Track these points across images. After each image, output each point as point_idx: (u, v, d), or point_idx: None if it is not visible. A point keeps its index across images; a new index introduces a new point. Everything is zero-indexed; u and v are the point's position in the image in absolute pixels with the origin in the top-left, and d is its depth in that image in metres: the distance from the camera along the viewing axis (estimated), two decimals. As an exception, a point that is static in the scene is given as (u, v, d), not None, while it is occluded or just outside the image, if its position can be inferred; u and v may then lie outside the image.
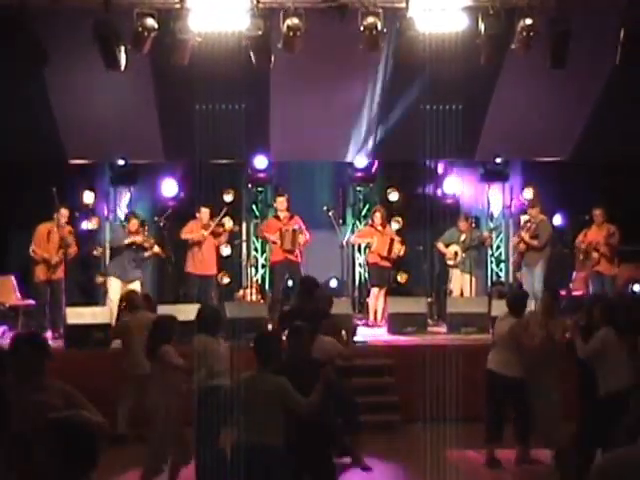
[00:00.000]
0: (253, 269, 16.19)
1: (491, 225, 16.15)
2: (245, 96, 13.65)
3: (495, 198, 16.53)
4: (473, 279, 14.57)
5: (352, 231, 16.27)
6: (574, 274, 14.73)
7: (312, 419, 6.90)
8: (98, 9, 11.01)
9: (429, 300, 14.62)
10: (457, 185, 16.36)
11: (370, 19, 11.23)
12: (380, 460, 9.71)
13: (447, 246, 14.74)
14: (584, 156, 14.83)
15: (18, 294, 14.09)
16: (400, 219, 15.99)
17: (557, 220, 15.48)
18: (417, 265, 16.07)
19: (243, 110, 13.90)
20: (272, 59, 11.77)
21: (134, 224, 13.89)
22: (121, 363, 10.60)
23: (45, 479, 4.10)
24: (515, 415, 9.68)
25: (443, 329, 13.61)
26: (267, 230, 14.70)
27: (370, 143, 15.08)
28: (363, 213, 16.62)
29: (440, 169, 16.35)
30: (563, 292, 12.93)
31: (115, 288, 13.53)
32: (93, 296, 15.07)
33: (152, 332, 8.43)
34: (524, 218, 15.01)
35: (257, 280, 16.14)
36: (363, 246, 15.70)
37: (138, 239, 13.64)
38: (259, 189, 16.59)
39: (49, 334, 12.96)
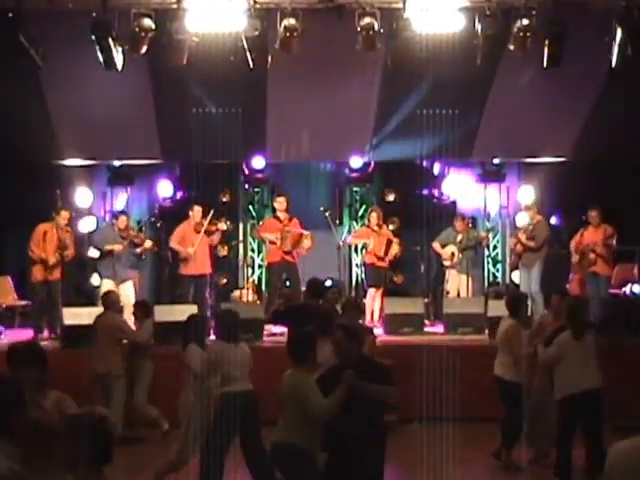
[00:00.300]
0: (250, 269, 16.20)
1: (488, 225, 16.16)
2: (242, 96, 13.65)
3: (492, 198, 16.54)
4: (470, 279, 14.56)
5: (349, 232, 16.30)
6: (571, 275, 14.74)
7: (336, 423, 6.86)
8: (95, 9, 11.01)
9: (426, 301, 14.61)
10: (454, 186, 16.36)
11: (367, 19, 11.25)
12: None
13: (443, 247, 14.73)
14: (581, 157, 14.85)
15: (15, 294, 14.10)
16: (397, 220, 15.99)
17: (554, 221, 15.49)
18: (414, 266, 16.06)
19: (240, 110, 13.91)
20: (269, 59, 11.79)
21: (122, 221, 13.89)
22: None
23: (61, 473, 4.16)
24: (504, 417, 9.70)
25: (440, 329, 13.61)
26: (265, 229, 14.68)
27: (367, 143, 15.08)
28: (360, 214, 16.63)
29: (437, 169, 16.35)
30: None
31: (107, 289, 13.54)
32: (89, 297, 15.06)
33: (182, 330, 8.74)
34: (520, 218, 15.03)
35: (253, 280, 16.14)
36: (360, 247, 15.72)
37: (123, 242, 13.61)
38: (256, 189, 16.61)
39: (45, 334, 12.99)
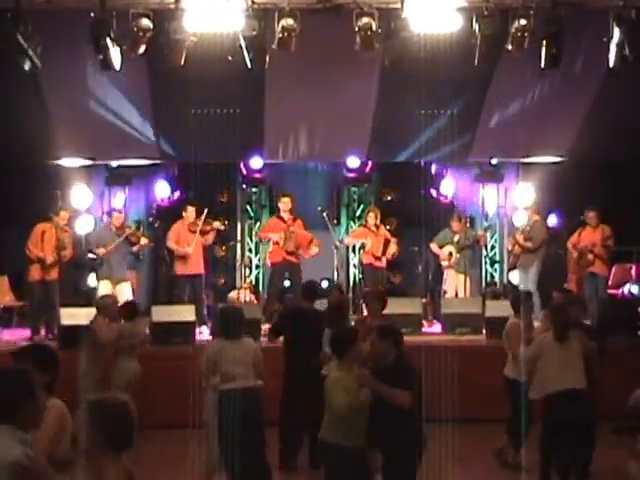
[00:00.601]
0: (247, 270, 16.21)
1: (485, 225, 16.18)
2: (240, 96, 13.66)
3: (490, 199, 16.56)
4: (467, 279, 14.57)
5: (346, 232, 16.31)
6: (568, 275, 14.76)
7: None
8: (94, 9, 10.99)
9: (424, 301, 14.61)
10: (452, 186, 16.37)
11: (365, 19, 11.23)
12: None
13: (441, 247, 14.74)
14: (579, 157, 14.86)
15: (12, 295, 14.09)
16: (394, 220, 16.00)
17: (552, 221, 15.49)
18: (412, 266, 16.08)
19: (238, 110, 13.92)
20: (267, 60, 11.77)
21: (118, 218, 13.89)
22: None
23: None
24: (510, 416, 9.70)
25: (438, 330, 13.62)
26: (269, 229, 14.67)
27: (365, 143, 15.07)
28: (357, 214, 16.65)
29: (435, 169, 16.36)
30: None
31: (105, 290, 13.54)
32: (87, 297, 15.05)
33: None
34: (518, 219, 15.04)
35: (251, 281, 16.15)
36: (357, 247, 15.72)
37: (118, 239, 13.61)
38: (254, 189, 16.63)
39: (43, 334, 12.98)
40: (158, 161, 15.40)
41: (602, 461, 8.87)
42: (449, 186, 16.34)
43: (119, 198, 16.01)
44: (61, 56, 12.27)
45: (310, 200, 16.00)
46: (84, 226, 15.29)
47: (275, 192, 16.02)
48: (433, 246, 14.85)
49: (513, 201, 16.18)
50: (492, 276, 16.69)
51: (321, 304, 10.51)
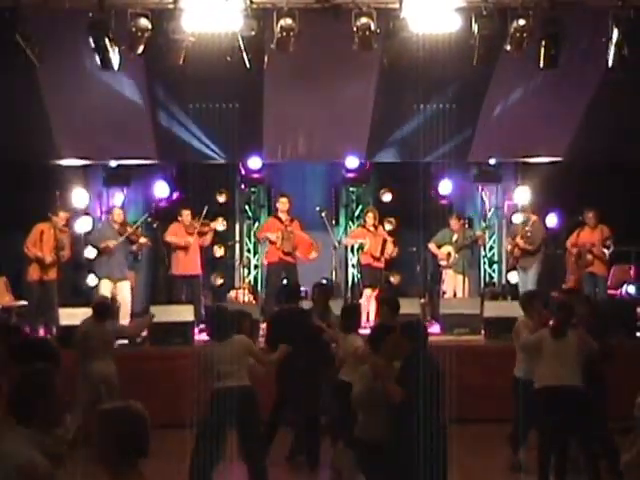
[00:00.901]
0: (245, 270, 16.20)
1: (484, 225, 16.18)
2: (238, 96, 13.65)
3: (488, 199, 16.56)
4: (466, 280, 14.57)
5: (345, 232, 16.30)
6: (567, 275, 14.74)
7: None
8: (92, 9, 10.99)
9: (422, 301, 14.61)
10: (450, 186, 16.36)
11: (363, 19, 11.23)
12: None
13: (439, 247, 14.74)
14: (577, 157, 14.85)
15: (11, 295, 14.08)
16: (393, 220, 15.99)
17: (550, 221, 15.49)
18: (410, 266, 16.08)
19: (237, 111, 13.91)
20: (265, 60, 11.77)
21: (119, 214, 13.89)
22: None
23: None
24: (516, 415, 9.72)
25: (436, 330, 13.60)
26: (267, 229, 14.64)
27: (363, 144, 15.06)
28: (356, 214, 16.64)
29: (433, 170, 16.35)
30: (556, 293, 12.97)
31: (105, 289, 13.55)
32: (86, 297, 15.04)
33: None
34: (516, 219, 15.03)
35: (249, 281, 16.14)
36: (356, 247, 15.71)
37: (119, 237, 13.60)
38: (252, 190, 16.61)
39: (41, 334, 12.97)
40: (156, 161, 15.39)
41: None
42: (447, 186, 16.33)
43: (117, 198, 16.00)
44: (60, 56, 12.25)
45: (309, 200, 16.00)
46: (82, 226, 15.29)
47: (274, 192, 16.01)
48: (431, 246, 14.85)
49: (511, 202, 16.17)
50: (491, 276, 16.69)
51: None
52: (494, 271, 16.70)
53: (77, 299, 14.69)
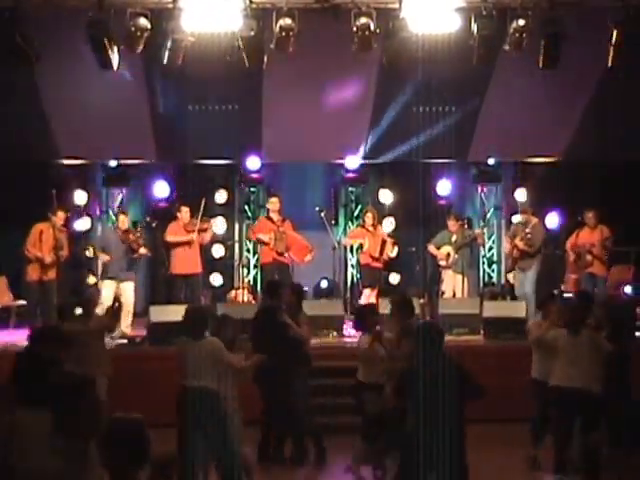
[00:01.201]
0: (245, 270, 16.19)
1: (482, 224, 16.17)
2: (238, 97, 13.65)
3: (487, 199, 16.56)
4: (465, 280, 14.56)
5: (344, 232, 16.30)
6: (566, 276, 14.74)
7: None
8: (91, 9, 10.98)
9: (421, 301, 14.58)
10: (449, 186, 16.36)
11: (363, 20, 11.22)
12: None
13: (439, 248, 14.73)
14: (576, 157, 14.85)
15: (10, 294, 14.07)
16: (392, 220, 15.98)
17: (550, 221, 15.48)
18: (409, 266, 16.07)
19: (236, 111, 13.90)
20: (265, 59, 11.76)
21: (123, 221, 13.88)
22: None
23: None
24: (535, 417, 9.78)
25: (435, 330, 13.58)
26: (259, 230, 14.62)
27: (363, 144, 15.07)
28: (355, 214, 16.64)
29: (433, 170, 16.35)
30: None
31: (108, 290, 13.54)
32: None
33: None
34: (516, 219, 15.03)
35: (249, 281, 16.14)
36: (355, 247, 15.70)
37: (122, 245, 13.62)
38: (252, 190, 16.62)
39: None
40: (155, 161, 15.38)
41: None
42: (447, 187, 16.33)
43: (116, 198, 15.99)
44: (59, 55, 12.25)
45: (308, 200, 16.01)
46: (81, 226, 15.29)
47: (270, 193, 16.00)
48: (431, 248, 14.83)
49: (511, 202, 16.17)
50: (490, 277, 16.70)
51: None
52: (493, 271, 16.70)
53: (76, 299, 14.67)
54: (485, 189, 16.71)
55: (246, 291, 15.22)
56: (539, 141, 14.75)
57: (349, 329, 12.90)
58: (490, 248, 16.64)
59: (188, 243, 13.95)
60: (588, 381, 8.57)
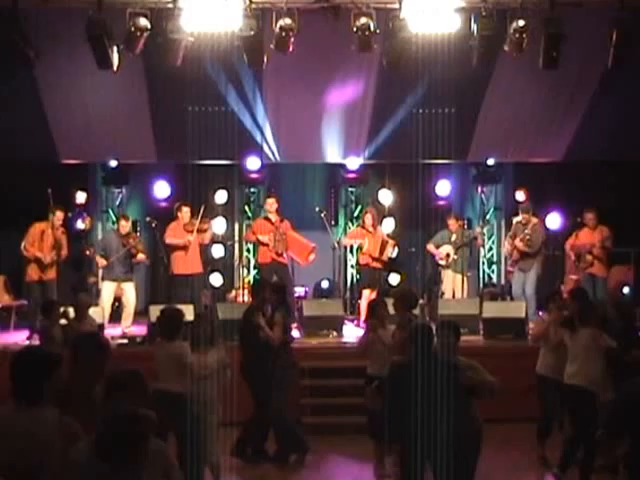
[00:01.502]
0: (245, 270, 16.19)
1: (481, 223, 16.17)
2: (238, 97, 13.64)
3: (487, 200, 16.55)
4: (465, 280, 14.56)
5: (344, 232, 16.30)
6: (566, 276, 14.73)
7: None
8: (91, 9, 10.97)
9: (421, 302, 14.57)
10: (449, 187, 16.36)
11: (363, 20, 11.20)
12: (372, 463, 9.62)
13: (438, 247, 14.73)
14: (576, 157, 14.84)
15: (10, 295, 14.07)
16: (392, 220, 15.98)
17: (550, 222, 15.47)
18: (409, 267, 16.07)
19: (236, 111, 13.89)
20: (265, 59, 11.76)
21: (124, 226, 13.90)
22: None
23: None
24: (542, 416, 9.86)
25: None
26: (258, 231, 14.59)
27: (362, 144, 15.06)
28: (355, 214, 16.64)
29: (432, 171, 16.33)
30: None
31: (108, 290, 13.54)
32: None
33: None
34: (516, 220, 15.03)
35: (249, 281, 16.12)
36: (355, 247, 15.69)
37: (122, 249, 13.64)
38: (251, 190, 16.62)
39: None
40: (155, 161, 15.37)
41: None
42: (446, 187, 16.33)
43: (116, 198, 15.99)
44: (58, 55, 12.25)
45: (308, 201, 16.02)
46: (81, 226, 15.28)
47: (267, 194, 16.00)
48: (430, 246, 14.83)
49: (510, 202, 16.16)
50: (489, 277, 16.69)
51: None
52: (493, 272, 16.69)
53: (76, 299, 14.67)
54: (485, 189, 16.72)
55: (246, 291, 15.21)
56: (539, 141, 14.74)
57: (349, 329, 12.92)
58: (490, 248, 16.63)
59: (185, 246, 13.94)
60: (585, 379, 8.59)
